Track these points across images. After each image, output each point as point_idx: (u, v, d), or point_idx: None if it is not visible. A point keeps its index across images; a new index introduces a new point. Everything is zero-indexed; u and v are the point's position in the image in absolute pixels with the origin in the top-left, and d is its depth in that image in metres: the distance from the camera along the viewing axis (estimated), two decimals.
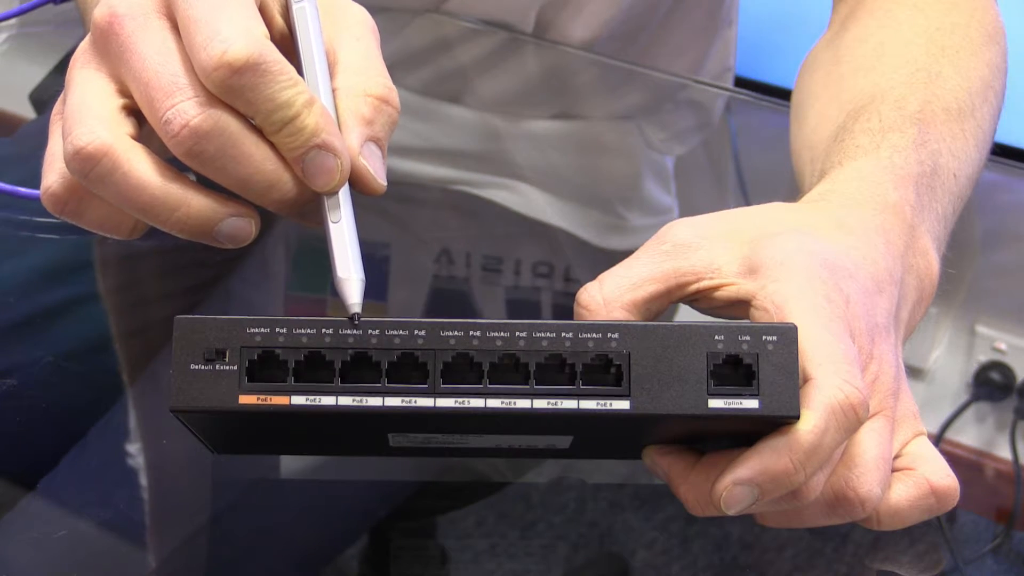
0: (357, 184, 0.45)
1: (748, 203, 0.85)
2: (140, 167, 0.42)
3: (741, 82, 1.11)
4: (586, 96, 0.93)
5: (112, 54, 0.43)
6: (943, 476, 0.47)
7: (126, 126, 0.44)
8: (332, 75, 0.46)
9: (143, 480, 0.57)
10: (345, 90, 0.45)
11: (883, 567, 0.56)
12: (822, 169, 0.57)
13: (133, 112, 0.44)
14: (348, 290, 0.43)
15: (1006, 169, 0.84)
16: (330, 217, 0.44)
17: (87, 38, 0.45)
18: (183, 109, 0.42)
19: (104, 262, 0.71)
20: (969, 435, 0.85)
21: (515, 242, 0.83)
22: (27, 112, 0.91)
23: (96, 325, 0.67)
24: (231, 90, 0.41)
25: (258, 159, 0.43)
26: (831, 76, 0.67)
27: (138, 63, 0.43)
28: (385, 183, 0.45)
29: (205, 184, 0.44)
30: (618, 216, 0.87)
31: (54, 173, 0.45)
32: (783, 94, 0.80)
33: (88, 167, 0.42)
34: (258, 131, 0.43)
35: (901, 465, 0.47)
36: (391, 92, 0.46)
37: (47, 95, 0.87)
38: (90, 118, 0.43)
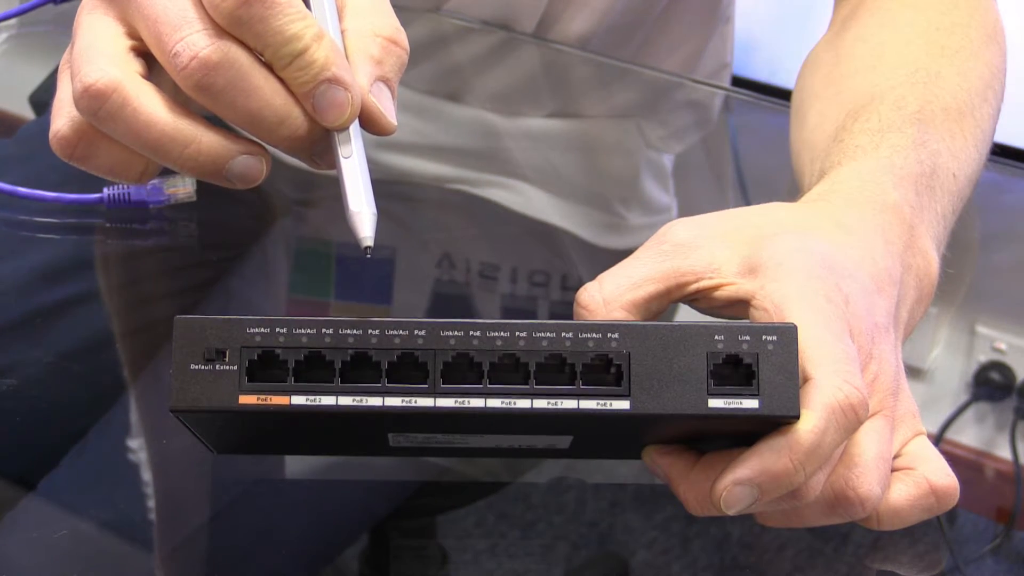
0: (367, 124, 0.44)
1: (748, 203, 0.85)
2: (150, 103, 0.42)
3: (741, 82, 1.11)
4: (584, 94, 0.93)
5: (130, 7, 0.43)
6: (943, 476, 0.47)
7: (135, 65, 0.43)
8: (340, 17, 0.46)
9: (143, 480, 0.58)
10: (354, 31, 0.45)
11: (883, 567, 0.56)
12: (822, 169, 0.57)
13: (142, 54, 0.44)
14: (360, 223, 0.42)
15: (1006, 169, 0.84)
16: (341, 152, 0.43)
17: None
18: (192, 41, 0.41)
19: (104, 261, 0.71)
20: (969, 435, 0.85)
21: (514, 242, 0.83)
22: (27, 113, 0.91)
23: (96, 325, 0.67)
24: (240, 22, 0.41)
25: (267, 92, 0.42)
26: (831, 76, 0.67)
27: (146, 0, 0.42)
28: (395, 123, 0.45)
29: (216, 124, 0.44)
30: (617, 215, 0.87)
31: (63, 117, 0.44)
32: (783, 94, 0.80)
33: (98, 104, 0.42)
34: (267, 66, 0.42)
35: (901, 465, 0.47)
36: (400, 33, 0.46)
37: (47, 97, 0.87)
38: (99, 57, 0.43)
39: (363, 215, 0.42)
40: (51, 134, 0.45)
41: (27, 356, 0.63)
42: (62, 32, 0.91)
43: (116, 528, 0.54)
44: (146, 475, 0.58)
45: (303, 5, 0.43)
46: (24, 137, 0.83)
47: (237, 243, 0.73)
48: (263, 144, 0.45)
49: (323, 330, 0.41)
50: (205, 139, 0.43)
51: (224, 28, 0.42)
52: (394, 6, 0.47)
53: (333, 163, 0.44)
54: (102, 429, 0.61)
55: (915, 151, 0.56)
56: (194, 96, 0.42)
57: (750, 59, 1.31)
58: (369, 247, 0.42)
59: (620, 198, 0.88)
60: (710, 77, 0.96)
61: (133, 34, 0.44)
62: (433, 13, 0.87)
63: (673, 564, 0.56)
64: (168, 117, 0.43)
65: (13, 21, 0.90)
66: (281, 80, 0.43)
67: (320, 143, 0.44)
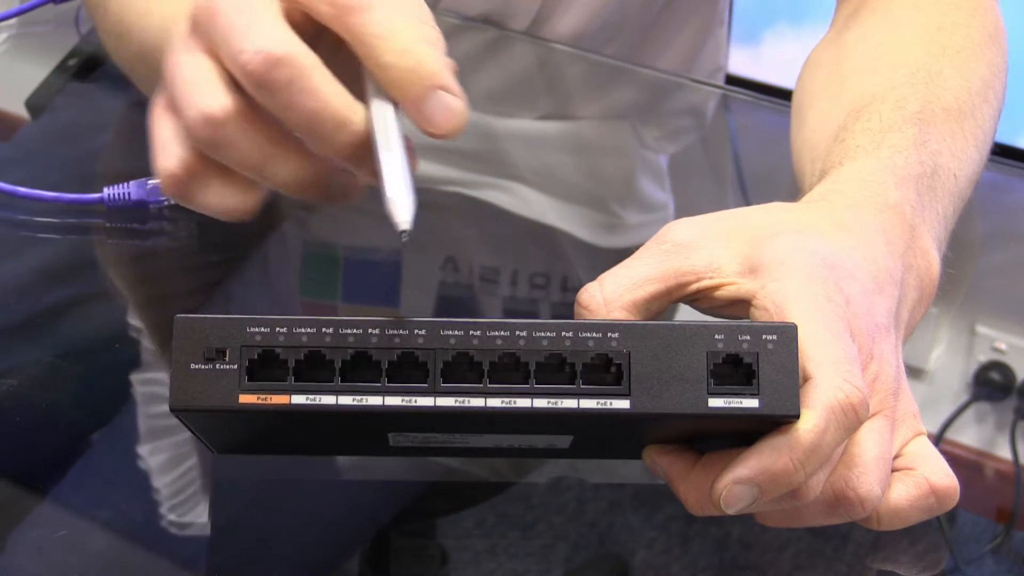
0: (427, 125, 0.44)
1: (748, 203, 0.85)
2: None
3: (741, 81, 1.11)
4: (578, 96, 0.93)
5: (210, 32, 0.43)
6: (943, 476, 0.47)
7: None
8: None
9: (144, 480, 0.57)
10: None
11: (883, 567, 0.56)
12: (822, 169, 0.57)
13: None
14: (397, 207, 0.41)
15: (1006, 169, 0.84)
16: (381, 147, 0.43)
17: (183, 29, 0.45)
18: (258, 38, 0.42)
19: (107, 261, 0.72)
20: (969, 435, 0.85)
21: (513, 244, 0.83)
22: (26, 114, 0.91)
23: (96, 325, 0.67)
24: (347, 29, 0.42)
25: (330, 94, 0.42)
26: (832, 76, 0.67)
27: (224, 22, 0.43)
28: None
29: None
30: (613, 214, 0.87)
31: (171, 156, 0.44)
32: (783, 94, 0.80)
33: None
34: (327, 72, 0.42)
35: (901, 465, 0.47)
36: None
37: (44, 100, 0.87)
38: (209, 84, 0.43)
39: (400, 200, 0.41)
40: (161, 172, 0.45)
41: (27, 356, 0.63)
42: (62, 32, 0.91)
43: (116, 528, 0.54)
44: (147, 475, 0.58)
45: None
46: (23, 139, 0.83)
47: (237, 243, 0.73)
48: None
49: (323, 329, 0.41)
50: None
51: (327, 14, 0.42)
52: None
53: (374, 179, 0.43)
54: (102, 429, 0.61)
55: (916, 151, 0.56)
56: (256, 92, 0.42)
57: (750, 58, 1.31)
58: (406, 231, 0.41)
59: (616, 197, 0.88)
60: (705, 79, 0.96)
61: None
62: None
63: (673, 564, 0.56)
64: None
65: (13, 21, 0.90)
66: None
67: (367, 158, 0.43)
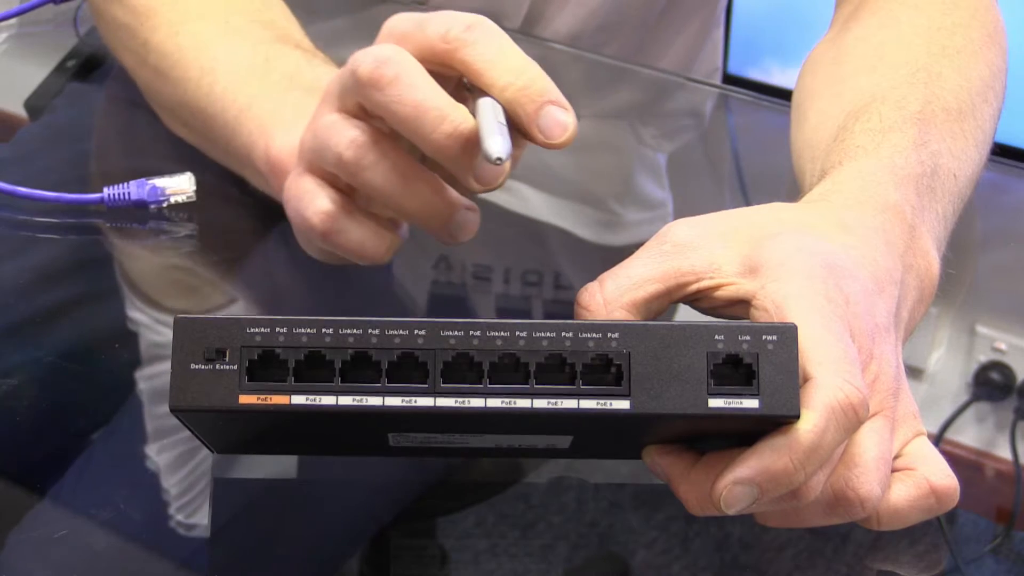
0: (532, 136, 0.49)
1: (748, 203, 0.85)
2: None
3: (741, 82, 1.11)
4: (575, 95, 0.93)
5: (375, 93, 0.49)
6: (943, 476, 0.47)
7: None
8: None
9: (144, 480, 0.57)
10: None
11: (883, 567, 0.56)
12: (822, 169, 0.57)
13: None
14: (492, 144, 0.45)
15: (1006, 169, 0.84)
16: (485, 112, 0.47)
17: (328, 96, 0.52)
18: (370, 49, 0.48)
19: (107, 261, 0.71)
20: (969, 435, 0.85)
21: (506, 242, 0.83)
22: (25, 114, 0.91)
23: (96, 325, 0.67)
24: (464, 43, 0.48)
25: (431, 88, 0.47)
26: (832, 76, 0.67)
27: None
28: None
29: None
30: (612, 212, 0.87)
31: (322, 198, 0.52)
32: (783, 94, 0.80)
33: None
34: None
35: (901, 465, 0.47)
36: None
37: (43, 101, 0.87)
38: (347, 121, 0.50)
39: (497, 140, 0.45)
40: (313, 213, 0.52)
41: (27, 356, 0.63)
42: (62, 32, 0.91)
43: (116, 528, 0.54)
44: (147, 475, 0.58)
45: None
46: (22, 139, 0.83)
47: (237, 243, 0.73)
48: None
49: (323, 330, 0.41)
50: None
51: (443, 50, 0.48)
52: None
53: (486, 178, 0.49)
54: (102, 429, 0.61)
55: (916, 151, 0.56)
56: (366, 93, 0.48)
57: (751, 59, 1.31)
58: (500, 158, 0.45)
59: (614, 195, 0.88)
60: (702, 96, 0.96)
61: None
62: (420, 7, 0.88)
63: (673, 564, 0.56)
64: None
65: (13, 21, 0.90)
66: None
67: (471, 153, 0.48)
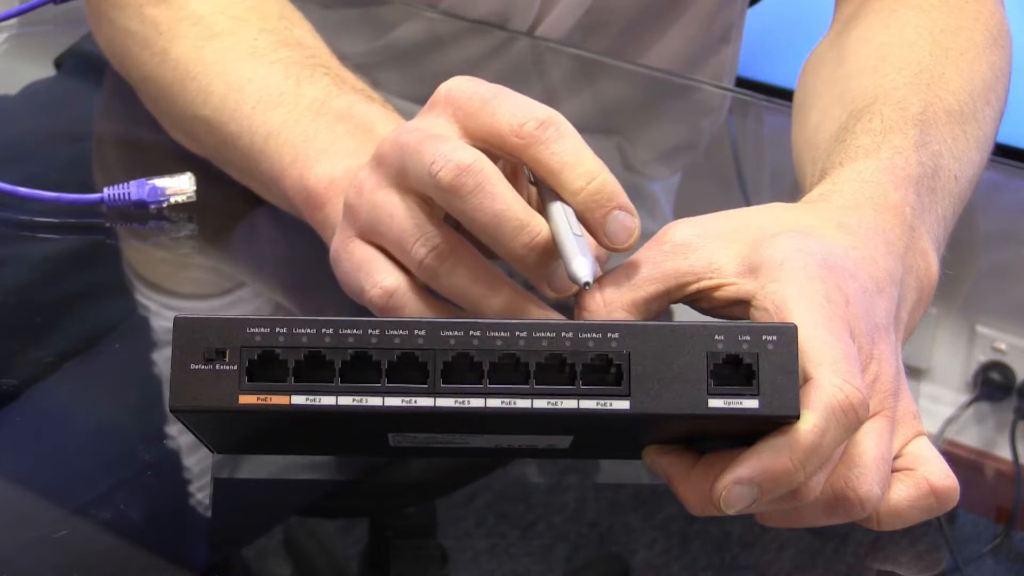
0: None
1: (748, 203, 0.85)
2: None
3: (742, 82, 1.11)
4: (567, 92, 0.93)
5: (402, 159, 0.49)
6: (943, 476, 0.47)
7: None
8: None
9: (144, 480, 0.57)
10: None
11: (883, 567, 0.56)
12: (823, 169, 0.57)
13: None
14: (579, 269, 0.45)
15: (1006, 169, 0.84)
16: (563, 230, 0.47)
17: (366, 167, 0.51)
18: (449, 150, 0.47)
19: (107, 261, 0.72)
20: (969, 435, 0.85)
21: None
22: (26, 113, 0.91)
23: (96, 325, 0.67)
24: (537, 142, 0.47)
25: (511, 197, 0.47)
26: (834, 76, 0.67)
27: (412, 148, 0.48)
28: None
29: None
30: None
31: (383, 274, 0.50)
32: (784, 94, 0.80)
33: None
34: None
35: (901, 465, 0.47)
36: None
37: (43, 101, 0.87)
38: (425, 224, 0.49)
39: (582, 264, 0.45)
40: (373, 286, 0.50)
41: (27, 356, 0.63)
42: (62, 32, 0.91)
43: (116, 528, 0.54)
44: (146, 475, 0.58)
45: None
46: (23, 139, 0.83)
47: (237, 244, 0.73)
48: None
49: (323, 330, 0.41)
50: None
51: (514, 144, 0.47)
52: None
53: (561, 288, 0.48)
54: (102, 429, 0.61)
55: (917, 152, 0.56)
56: (446, 199, 0.47)
57: (751, 59, 1.31)
58: (588, 283, 0.45)
59: None
60: (706, 100, 0.96)
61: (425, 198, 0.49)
62: (428, 12, 0.87)
63: (673, 564, 0.56)
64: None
65: (13, 21, 0.90)
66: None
67: (546, 262, 0.48)
